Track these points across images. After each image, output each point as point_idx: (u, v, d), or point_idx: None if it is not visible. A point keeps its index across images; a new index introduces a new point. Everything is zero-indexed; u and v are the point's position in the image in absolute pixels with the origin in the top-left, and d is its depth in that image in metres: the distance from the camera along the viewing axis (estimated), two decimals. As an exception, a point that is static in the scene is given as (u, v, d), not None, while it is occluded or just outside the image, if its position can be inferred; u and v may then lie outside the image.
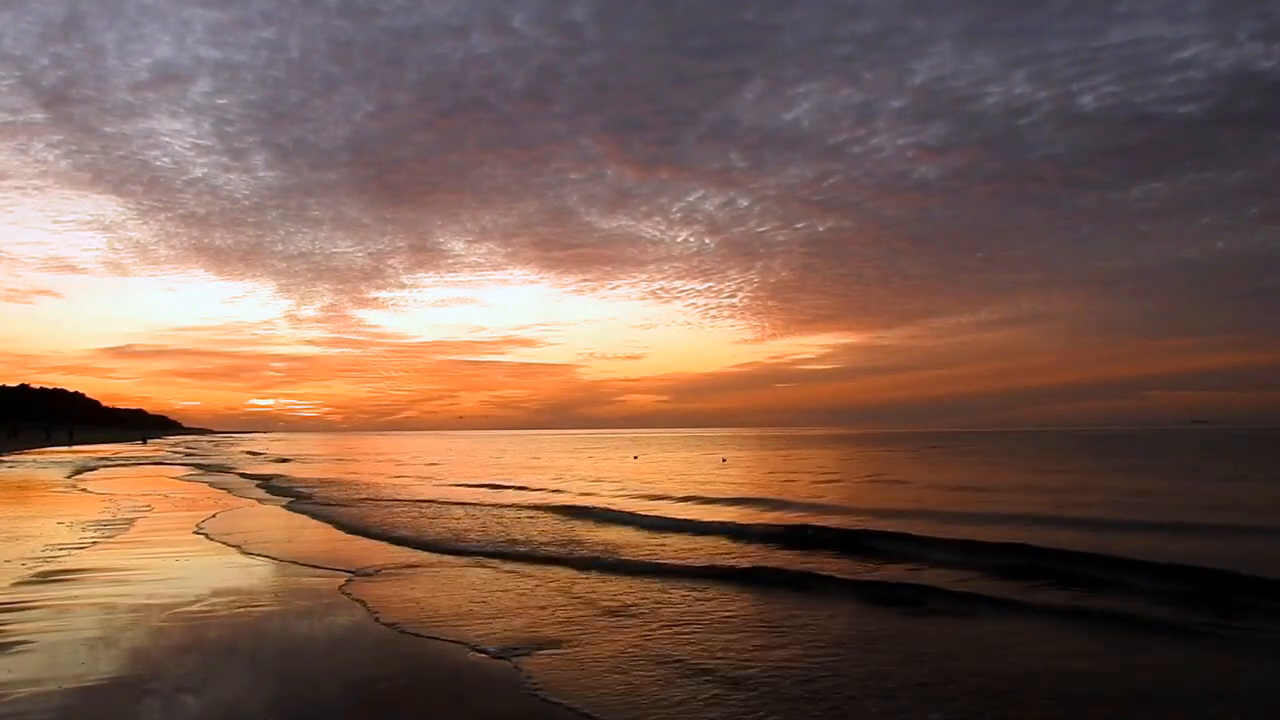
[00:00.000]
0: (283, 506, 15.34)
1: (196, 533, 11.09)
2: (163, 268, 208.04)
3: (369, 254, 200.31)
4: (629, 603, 6.82)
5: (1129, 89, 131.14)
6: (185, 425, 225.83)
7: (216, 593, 7.02)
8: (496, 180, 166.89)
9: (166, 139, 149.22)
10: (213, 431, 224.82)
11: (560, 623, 6.05)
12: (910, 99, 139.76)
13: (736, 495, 16.72)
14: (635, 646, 5.40)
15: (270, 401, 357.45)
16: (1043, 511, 13.25)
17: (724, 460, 34.07)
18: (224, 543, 10.12)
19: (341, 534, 11.36)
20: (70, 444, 65.51)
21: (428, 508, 15.00)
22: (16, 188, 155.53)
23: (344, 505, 15.46)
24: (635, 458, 39.87)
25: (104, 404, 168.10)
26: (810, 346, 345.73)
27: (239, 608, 6.43)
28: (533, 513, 14.10)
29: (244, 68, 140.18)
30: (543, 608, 6.62)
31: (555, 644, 5.44)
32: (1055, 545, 8.99)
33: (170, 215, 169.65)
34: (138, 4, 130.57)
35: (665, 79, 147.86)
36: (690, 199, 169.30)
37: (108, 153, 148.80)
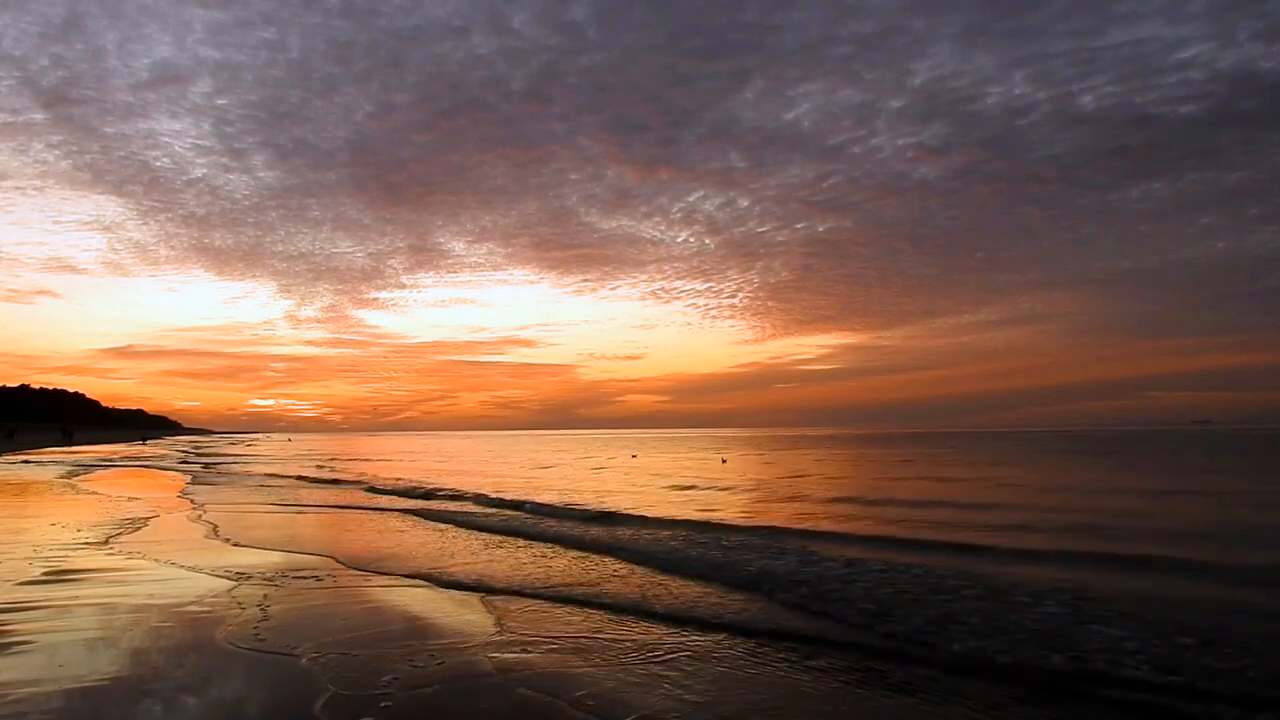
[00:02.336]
0: (191, 515, 15.57)
1: (109, 541, 11.31)
2: (163, 268, 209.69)
3: (369, 254, 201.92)
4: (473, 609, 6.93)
5: (1129, 89, 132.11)
6: (185, 426, 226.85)
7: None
8: (496, 180, 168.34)
9: (166, 139, 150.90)
10: (212, 432, 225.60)
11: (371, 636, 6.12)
12: (910, 99, 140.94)
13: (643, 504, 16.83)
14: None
15: (270, 402, 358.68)
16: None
17: (724, 461, 35.06)
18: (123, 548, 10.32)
19: (227, 544, 11.53)
20: (70, 444, 65.89)
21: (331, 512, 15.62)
22: (16, 188, 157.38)
23: (248, 512, 15.87)
24: (634, 456, 40.60)
25: (104, 404, 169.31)
26: (810, 347, 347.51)
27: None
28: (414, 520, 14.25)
29: (244, 68, 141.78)
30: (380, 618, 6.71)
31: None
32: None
33: (170, 215, 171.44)
34: (138, 4, 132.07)
35: (665, 79, 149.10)
36: (690, 199, 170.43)
37: (108, 153, 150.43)
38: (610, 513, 13.90)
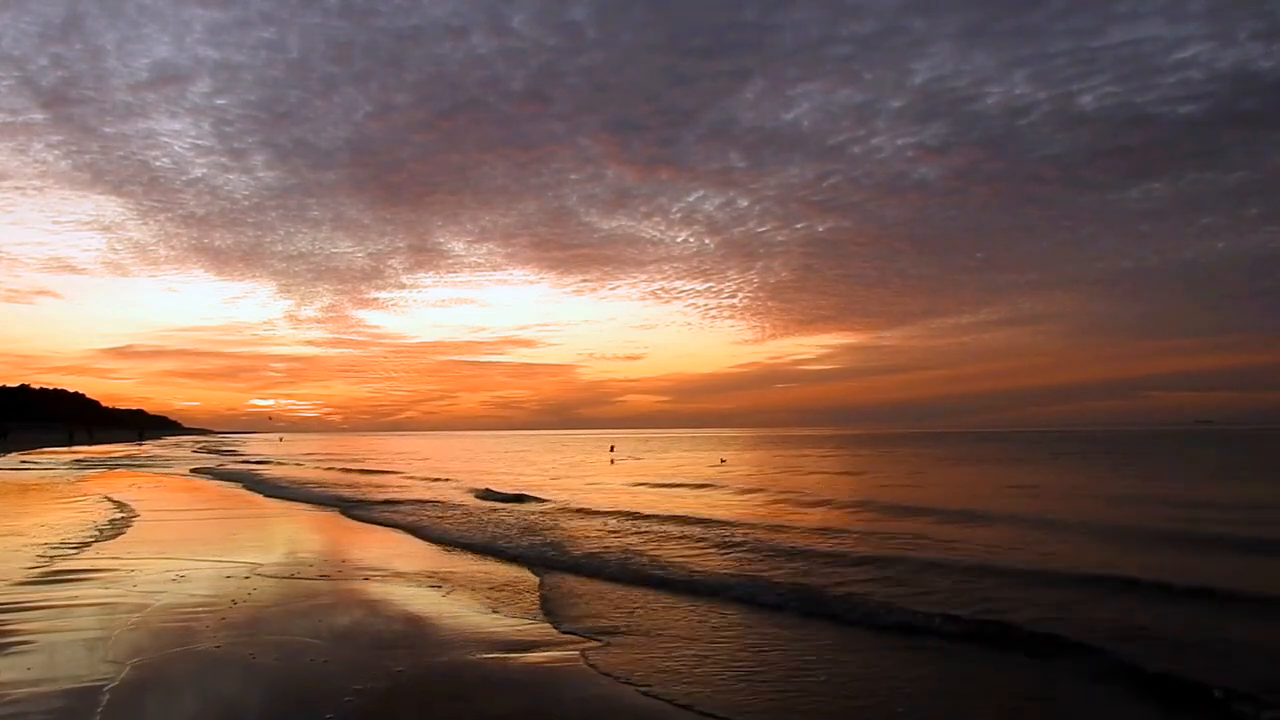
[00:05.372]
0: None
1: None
2: (163, 268, 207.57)
3: (369, 254, 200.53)
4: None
5: (1129, 89, 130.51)
6: (185, 426, 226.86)
7: None
8: (496, 180, 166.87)
9: (166, 139, 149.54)
10: (212, 432, 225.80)
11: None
12: (910, 99, 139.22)
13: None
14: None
15: (270, 402, 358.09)
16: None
17: (723, 461, 35.18)
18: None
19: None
20: (70, 444, 65.82)
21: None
22: (16, 188, 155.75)
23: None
24: (627, 458, 40.50)
25: (104, 404, 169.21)
26: (810, 347, 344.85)
27: None
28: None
29: (244, 68, 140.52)
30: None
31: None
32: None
33: (170, 215, 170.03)
34: (137, 4, 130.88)
35: (665, 79, 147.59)
36: (690, 199, 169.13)
37: (108, 153, 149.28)
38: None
